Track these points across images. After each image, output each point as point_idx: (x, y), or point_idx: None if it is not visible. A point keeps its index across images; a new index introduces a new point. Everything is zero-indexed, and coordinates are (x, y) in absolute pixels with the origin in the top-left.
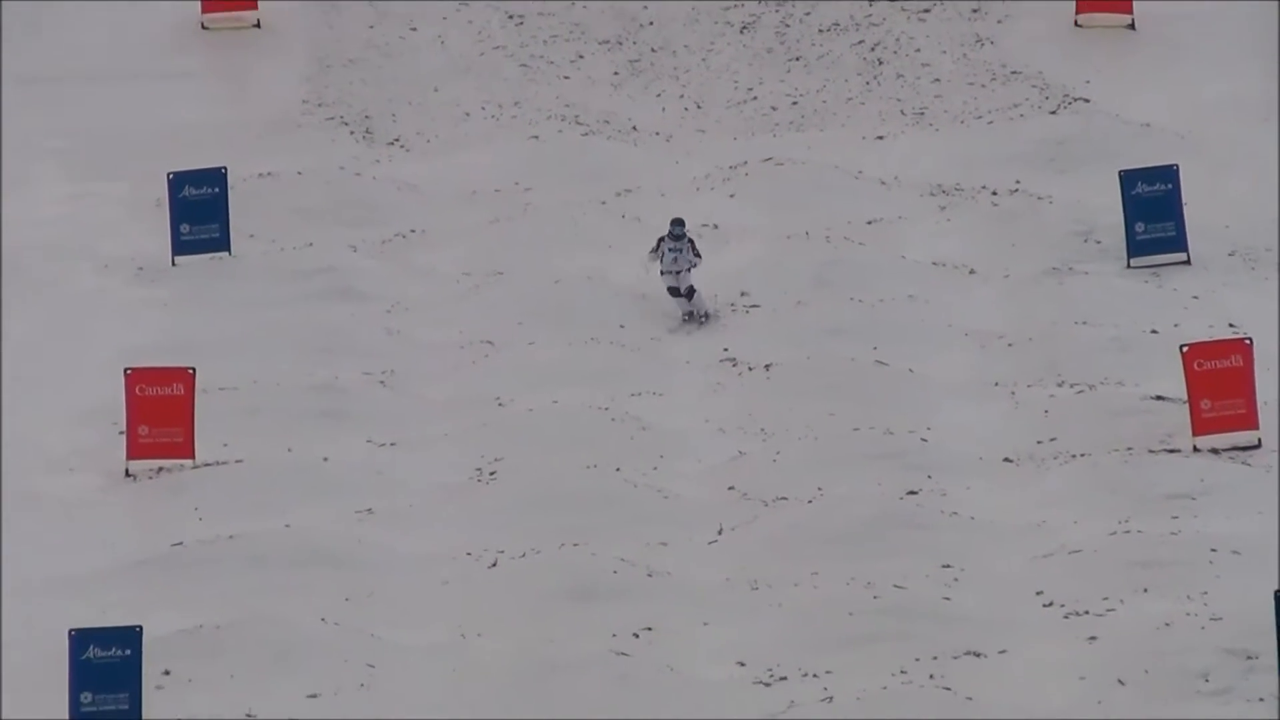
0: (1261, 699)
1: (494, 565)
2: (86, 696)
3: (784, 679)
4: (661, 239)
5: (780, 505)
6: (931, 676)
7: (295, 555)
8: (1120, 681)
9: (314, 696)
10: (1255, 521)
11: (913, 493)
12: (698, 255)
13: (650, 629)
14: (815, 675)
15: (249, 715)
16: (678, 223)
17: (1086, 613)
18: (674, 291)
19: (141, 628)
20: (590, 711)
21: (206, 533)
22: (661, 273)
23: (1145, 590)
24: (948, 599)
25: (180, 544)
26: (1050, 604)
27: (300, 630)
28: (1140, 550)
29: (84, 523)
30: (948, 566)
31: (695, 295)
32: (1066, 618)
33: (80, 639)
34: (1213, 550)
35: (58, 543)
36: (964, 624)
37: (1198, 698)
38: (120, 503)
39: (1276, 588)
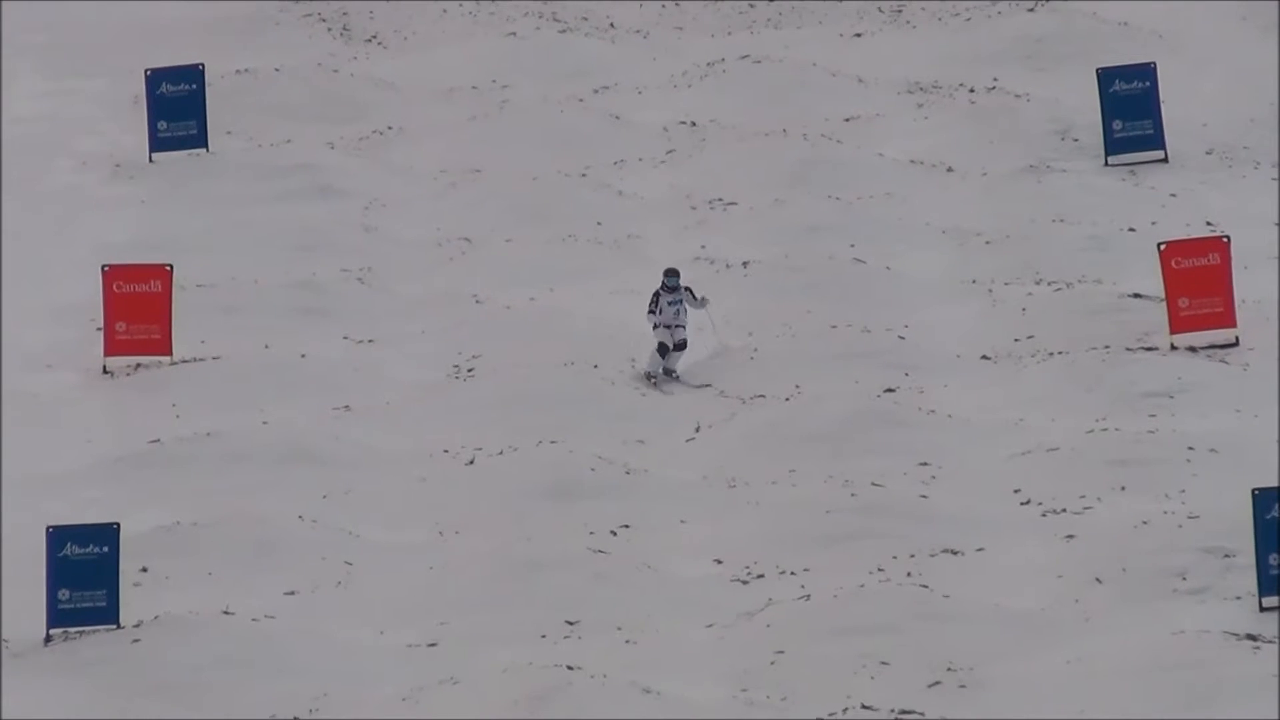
0: (1239, 597)
1: (471, 463)
2: (64, 594)
3: (761, 577)
4: (658, 293)
5: (758, 403)
6: (909, 574)
7: (273, 452)
8: (1098, 580)
9: (291, 594)
10: (1233, 420)
11: (890, 390)
12: (695, 299)
13: (628, 526)
14: (792, 573)
15: (226, 612)
16: (671, 274)
17: (1064, 511)
18: (663, 349)
19: (119, 525)
20: (568, 609)
21: (184, 430)
22: (661, 326)
23: (1123, 489)
24: (925, 497)
25: (158, 441)
26: (1028, 502)
27: (278, 527)
28: (1118, 448)
29: (61, 420)
30: (925, 464)
31: (684, 352)
32: (1044, 516)
33: (57, 536)
34: (1190, 449)
35: (35, 440)
36: (941, 522)
37: (1175, 596)
38: (98, 400)
39: (1254, 486)
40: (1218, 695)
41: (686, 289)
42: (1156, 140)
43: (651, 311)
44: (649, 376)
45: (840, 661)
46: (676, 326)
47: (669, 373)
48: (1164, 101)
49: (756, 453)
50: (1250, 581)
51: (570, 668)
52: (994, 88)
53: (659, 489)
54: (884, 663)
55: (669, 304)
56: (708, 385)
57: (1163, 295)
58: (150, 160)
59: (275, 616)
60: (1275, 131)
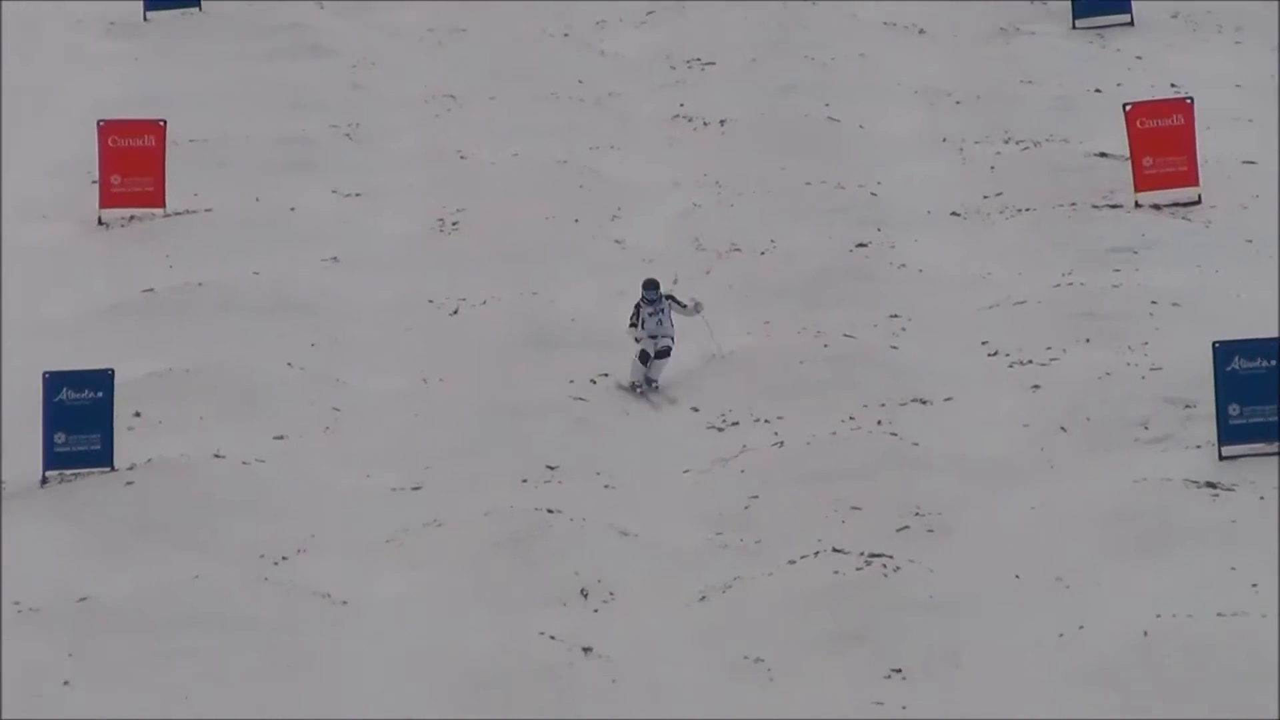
0: (1199, 446)
1: (455, 313)
2: (60, 437)
3: (736, 424)
4: (638, 305)
5: (733, 256)
6: (879, 423)
7: (263, 302)
8: (1062, 429)
9: (280, 438)
10: (1194, 275)
11: (862, 245)
12: (683, 305)
13: (606, 375)
14: (766, 421)
15: (217, 455)
16: (650, 285)
17: (1030, 362)
18: (644, 357)
19: (113, 371)
20: (548, 454)
21: (177, 279)
22: (648, 336)
23: (1087, 340)
24: (895, 348)
25: (151, 290)
26: (995, 353)
27: (267, 374)
28: (1083, 302)
29: (58, 269)
30: (895, 317)
31: (667, 360)
32: (1011, 367)
33: (53, 381)
34: (1153, 302)
35: (32, 288)
36: (911, 372)
37: (1137, 445)
38: (93, 250)
39: (1214, 339)
40: (1177, 541)
41: (670, 296)
42: (1123, 3)
43: (633, 325)
44: (633, 386)
45: (812, 506)
46: (661, 336)
47: (649, 381)
48: None
49: (733, 304)
50: (1210, 431)
51: (550, 511)
52: None
53: (634, 349)
54: (854, 508)
55: (649, 315)
56: (674, 401)
57: (1128, 154)
58: (145, 19)
59: (265, 460)
60: None
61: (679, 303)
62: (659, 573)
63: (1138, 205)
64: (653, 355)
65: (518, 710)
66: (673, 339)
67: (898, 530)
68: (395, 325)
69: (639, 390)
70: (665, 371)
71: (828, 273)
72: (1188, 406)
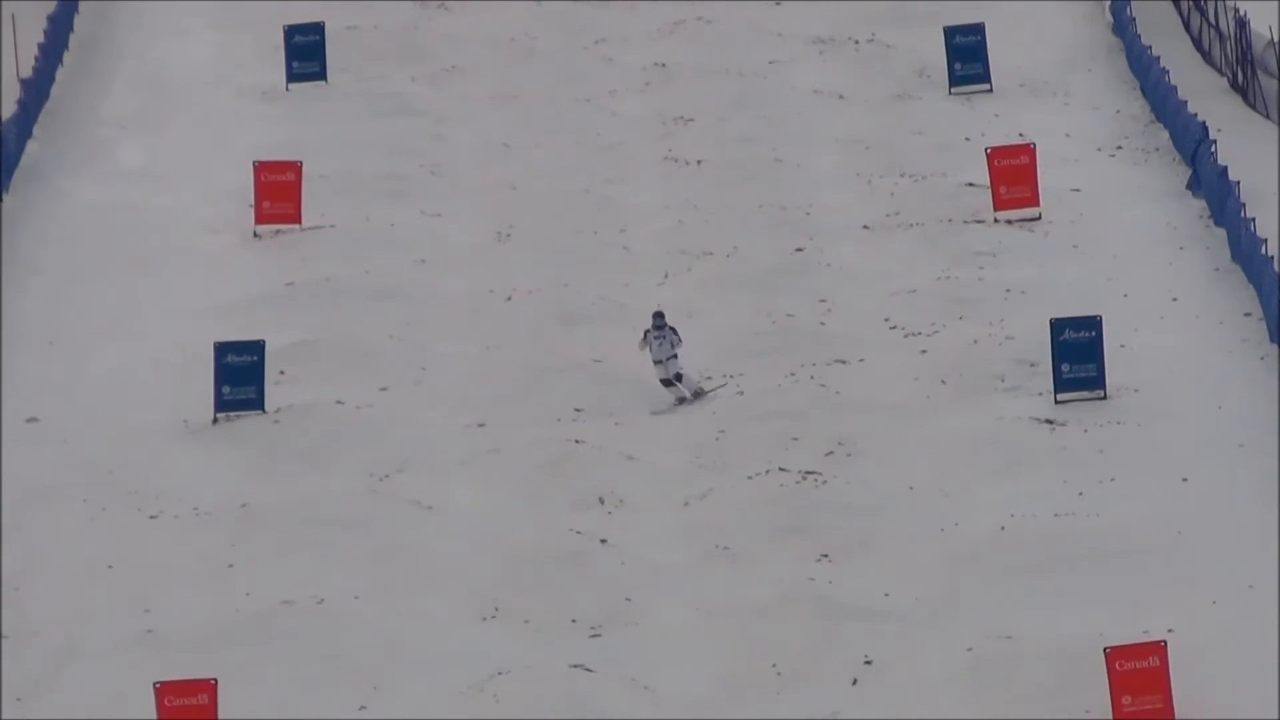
0: (1040, 394)
1: (509, 299)
2: (226, 389)
3: (709, 378)
4: (647, 331)
5: (707, 258)
6: (812, 377)
7: (371, 291)
8: (943, 381)
9: (384, 389)
10: (1036, 271)
11: (799, 250)
12: (678, 338)
13: (617, 343)
14: (731, 376)
15: (338, 402)
16: (659, 315)
17: (920, 334)
18: (666, 383)
19: (264, 341)
20: (575, 400)
21: (310, 275)
22: (655, 363)
23: (960, 318)
24: (823, 324)
25: (292, 284)
26: (895, 327)
27: (374, 343)
28: (957, 290)
29: (224, 268)
30: (824, 301)
31: (684, 378)
32: (906, 337)
33: (221, 349)
34: (1007, 291)
35: (207, 282)
36: (835, 341)
37: (996, 393)
38: (249, 255)
39: (1051, 317)
40: (1025, 461)
41: (671, 328)
42: (984, 77)
43: (642, 345)
44: (680, 401)
45: (764, 438)
46: (670, 359)
47: (693, 394)
48: (991, 49)
49: (707, 292)
50: (1048, 383)
51: (577, 441)
52: (872, 40)
53: (638, 317)
54: (794, 439)
55: (655, 339)
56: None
57: (989, 184)
58: (287, 89)
59: (373, 405)
60: (1069, 70)
61: (675, 333)
62: (654, 486)
63: (996, 221)
64: (672, 379)
65: (555, 580)
66: (678, 358)
67: (825, 454)
68: (465, 308)
69: (685, 400)
70: (685, 369)
71: (775, 270)
72: (1032, 365)
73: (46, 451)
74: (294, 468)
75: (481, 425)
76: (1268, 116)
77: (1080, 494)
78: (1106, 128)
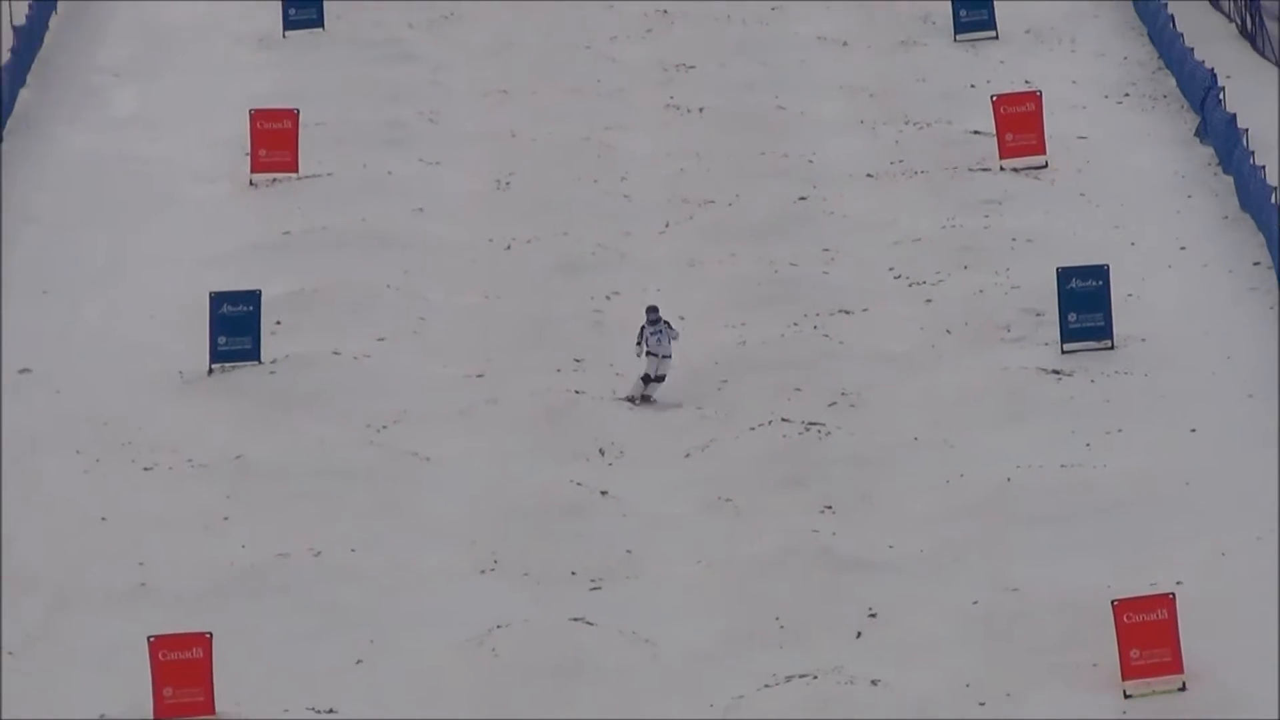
0: (1047, 344)
1: (508, 248)
2: (222, 339)
3: (711, 328)
4: (643, 328)
5: (709, 206)
6: (815, 327)
7: (368, 240)
8: (948, 331)
9: (381, 339)
10: (1043, 219)
11: (803, 198)
12: (674, 331)
13: (617, 293)
14: (733, 326)
15: (335, 352)
16: (653, 309)
17: (924, 283)
18: (646, 379)
19: (260, 291)
20: (575, 351)
21: (306, 224)
22: (648, 354)
23: (965, 267)
24: (826, 273)
25: (288, 232)
26: (899, 276)
27: (372, 293)
28: (962, 239)
29: (220, 217)
30: (827, 250)
31: (662, 383)
32: (910, 286)
33: (217, 298)
34: (1013, 240)
35: (202, 231)
36: (838, 291)
37: (1002, 343)
38: (245, 203)
39: (1057, 265)
40: (1032, 412)
41: (665, 322)
42: (990, 22)
43: (638, 344)
44: (630, 399)
45: (767, 388)
46: (664, 357)
47: (645, 398)
48: None
49: (709, 241)
50: (1054, 333)
51: (577, 391)
52: None
53: (640, 267)
54: (797, 389)
55: (652, 334)
56: (678, 405)
57: (994, 132)
58: (283, 36)
59: (370, 355)
60: (1075, 16)
61: (671, 328)
62: (656, 436)
63: (1001, 169)
64: (653, 378)
65: (554, 532)
66: (670, 355)
67: (828, 405)
68: (464, 257)
69: (635, 403)
70: (660, 390)
71: (777, 218)
72: (1038, 315)
73: (39, 403)
74: (290, 419)
75: (480, 375)
76: (1276, 62)
77: (1087, 445)
78: (1113, 74)
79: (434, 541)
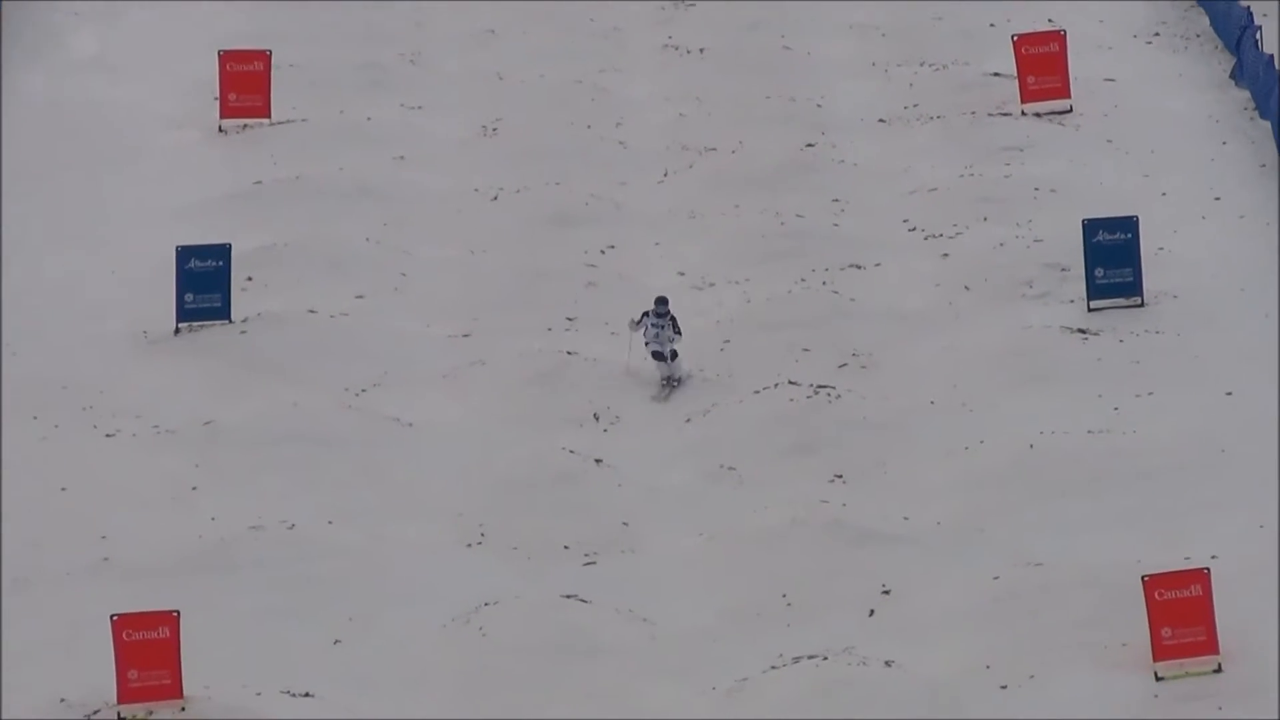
0: (1072, 301)
1: (495, 199)
2: (189, 297)
3: (713, 285)
4: (646, 313)
5: (711, 154)
6: (824, 283)
7: (346, 190)
8: (966, 287)
9: (360, 297)
10: (1067, 168)
11: (810, 145)
12: (678, 332)
13: (613, 247)
14: (737, 282)
15: (311, 310)
16: (662, 301)
17: (941, 235)
18: (658, 356)
19: (230, 245)
20: (567, 309)
21: (280, 174)
22: (645, 344)
23: (985, 219)
24: (836, 225)
25: (260, 182)
26: (914, 229)
27: (350, 247)
28: (981, 188)
29: (187, 166)
30: (836, 201)
31: (676, 359)
32: (926, 239)
33: (184, 253)
34: (1035, 189)
35: (168, 181)
36: (848, 244)
37: (1024, 300)
38: (215, 152)
39: (1083, 217)
40: (1056, 374)
41: (672, 317)
42: None
43: (635, 324)
44: (664, 381)
45: (773, 349)
46: (659, 346)
47: (671, 380)
48: None
49: (710, 192)
50: (1080, 289)
51: (569, 353)
52: None
53: (636, 219)
54: (805, 350)
55: (652, 325)
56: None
57: (1015, 74)
58: None
59: (348, 314)
60: None
61: (676, 327)
62: (653, 401)
63: (1023, 114)
64: (667, 356)
65: (546, 503)
66: (664, 350)
67: (839, 367)
68: (448, 208)
69: (665, 384)
70: (683, 366)
71: (783, 167)
72: (1063, 270)
73: None
74: (262, 382)
75: (466, 335)
76: None
77: (1115, 409)
78: (1142, 12)
79: (417, 513)
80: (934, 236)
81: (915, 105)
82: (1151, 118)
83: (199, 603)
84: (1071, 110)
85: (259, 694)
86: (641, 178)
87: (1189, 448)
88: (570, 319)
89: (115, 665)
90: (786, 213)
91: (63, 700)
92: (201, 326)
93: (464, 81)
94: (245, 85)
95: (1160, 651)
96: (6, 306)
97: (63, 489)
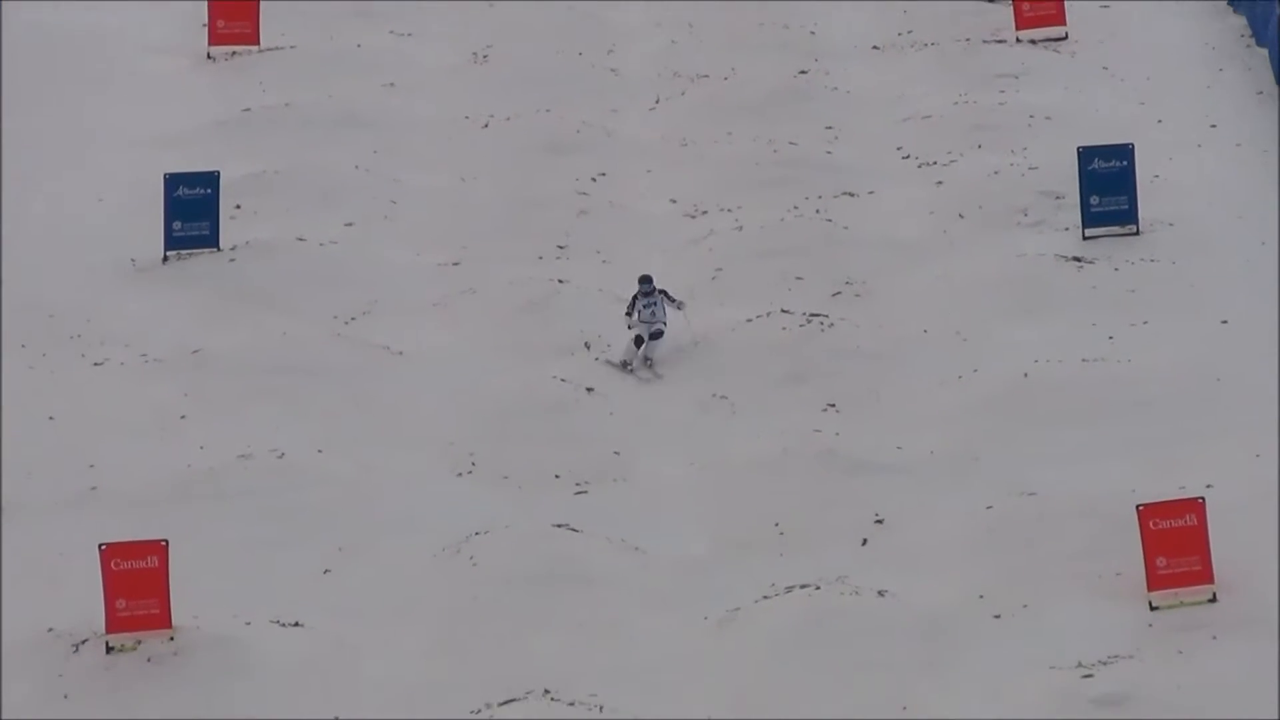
0: (1067, 229)
1: (486, 126)
2: (177, 225)
3: (705, 213)
4: (635, 297)
5: (703, 81)
6: (817, 211)
7: (336, 118)
8: (960, 215)
9: (349, 225)
10: (1062, 95)
11: (804, 72)
12: (672, 301)
13: (604, 174)
14: (729, 210)
15: (299, 239)
16: (646, 280)
17: (935, 163)
18: (639, 341)
19: (219, 172)
20: (558, 237)
21: (269, 101)
22: (639, 322)
23: (979, 146)
24: (829, 153)
25: (249, 109)
26: (908, 156)
27: (339, 175)
28: (976, 116)
29: (175, 93)
30: (830, 128)
31: (660, 339)
32: (920, 167)
33: (172, 180)
34: (1030, 117)
35: (156, 109)
36: (842, 172)
37: (1018, 228)
38: (203, 79)
39: (1079, 145)
40: (1051, 303)
41: (662, 291)
42: None
43: (629, 314)
44: (624, 365)
45: (765, 276)
46: (654, 322)
47: (646, 360)
48: None
49: (703, 119)
50: (1075, 217)
51: (560, 281)
52: None
53: (628, 146)
54: (798, 278)
55: (644, 306)
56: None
57: (1010, 1)
58: None
59: (337, 242)
60: None
61: (670, 297)
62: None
63: (1018, 41)
64: (647, 338)
65: (537, 432)
66: (665, 324)
67: (832, 295)
68: (438, 136)
69: (629, 368)
70: (660, 350)
71: (776, 94)
72: (1058, 198)
73: None
74: (251, 310)
75: (456, 264)
76: None
77: (1110, 338)
78: None
79: (407, 442)
80: (928, 164)
81: (909, 32)
82: (1147, 45)
83: (188, 532)
84: (1067, 37)
85: (248, 623)
86: (633, 105)
87: (1184, 376)
88: (561, 247)
89: (103, 595)
90: (779, 140)
91: (50, 630)
92: (190, 255)
93: (455, 7)
94: (234, 12)
95: (1155, 581)
96: None
97: (50, 418)
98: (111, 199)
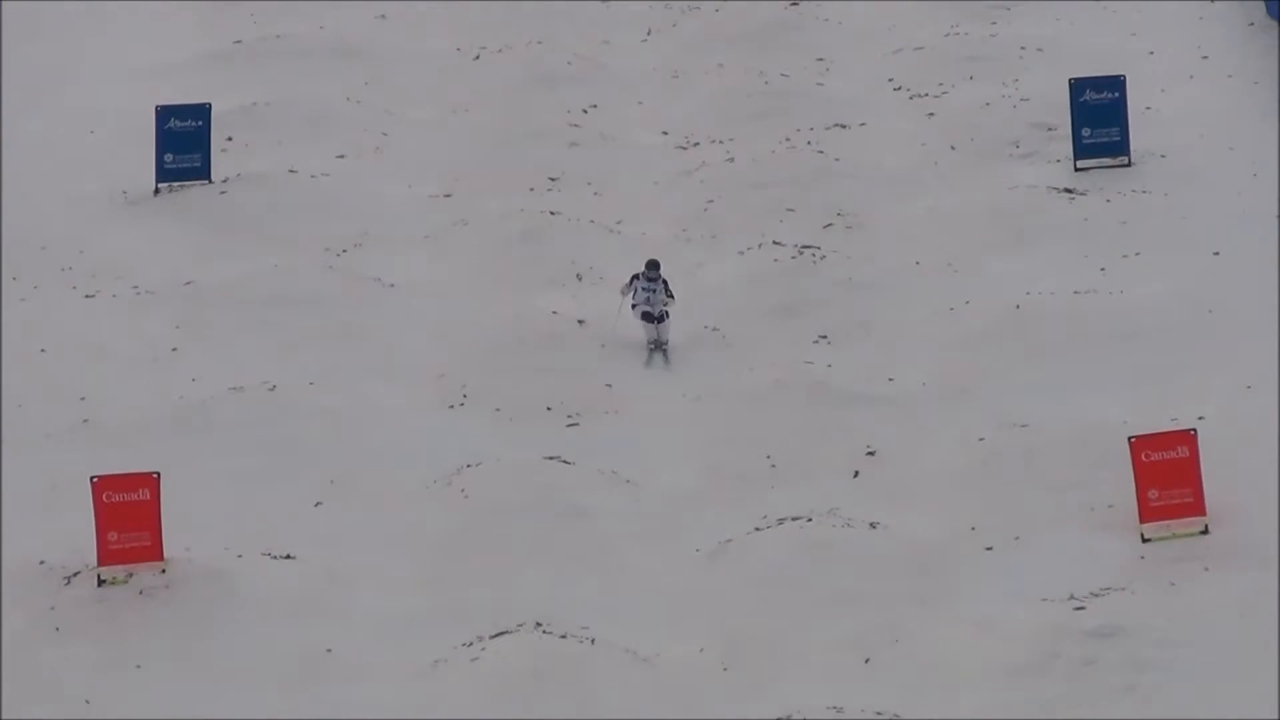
0: (1058, 160)
1: (477, 58)
2: (169, 157)
3: (697, 144)
4: (636, 276)
5: (694, 11)
6: (809, 143)
7: (328, 49)
8: (952, 147)
9: (341, 157)
10: (1055, 27)
11: (795, 3)
12: (670, 295)
13: (595, 106)
14: (720, 141)
15: (291, 171)
16: (653, 265)
17: (926, 95)
18: (648, 317)
19: (210, 104)
20: (550, 168)
21: (260, 32)
22: (633, 305)
23: (971, 78)
24: (821, 84)
25: (240, 41)
26: (899, 88)
27: (330, 107)
28: (967, 48)
29: (166, 24)
30: (821, 60)
31: (666, 322)
32: (911, 99)
33: (164, 113)
34: (1022, 48)
35: (147, 40)
36: (833, 103)
37: (1010, 159)
38: (193, 9)
39: (1070, 76)
40: (1042, 234)
41: (664, 280)
42: None
43: (626, 286)
44: (652, 344)
45: (757, 208)
46: (651, 307)
47: (660, 345)
48: None
49: (694, 50)
50: (1067, 148)
51: (552, 213)
52: None
53: (620, 78)
54: (790, 209)
55: (643, 289)
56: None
57: None
58: None
59: (329, 175)
60: None
61: (668, 290)
62: (637, 261)
63: None
64: (656, 318)
65: (528, 364)
66: (666, 318)
67: (824, 227)
68: (430, 68)
69: (653, 348)
70: (670, 333)
71: (768, 26)
72: (1050, 129)
73: None
74: (243, 242)
75: (448, 196)
76: None
77: (1102, 269)
78: None
79: (399, 374)
80: (919, 95)
81: None
82: None
83: (180, 464)
84: None
85: (240, 556)
86: (624, 36)
87: (1176, 308)
88: (553, 179)
89: (95, 527)
90: (771, 71)
91: (42, 562)
92: (181, 187)
93: None
94: None
95: (1147, 513)
96: None
97: (42, 350)
98: (103, 131)
